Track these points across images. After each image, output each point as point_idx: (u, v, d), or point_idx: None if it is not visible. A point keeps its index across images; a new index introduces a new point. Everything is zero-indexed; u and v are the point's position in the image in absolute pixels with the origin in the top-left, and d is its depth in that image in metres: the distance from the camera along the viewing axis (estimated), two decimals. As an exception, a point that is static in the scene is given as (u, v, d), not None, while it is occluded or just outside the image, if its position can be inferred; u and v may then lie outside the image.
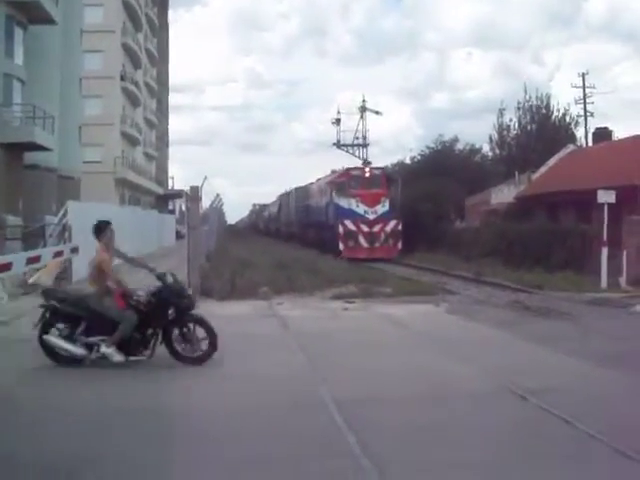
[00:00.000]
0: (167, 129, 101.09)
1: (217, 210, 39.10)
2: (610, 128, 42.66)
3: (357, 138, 59.22)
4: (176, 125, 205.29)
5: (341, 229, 35.87)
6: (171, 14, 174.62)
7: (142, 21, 70.03)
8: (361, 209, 36.74)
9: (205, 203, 25.83)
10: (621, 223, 22.60)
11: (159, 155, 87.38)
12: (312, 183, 50.31)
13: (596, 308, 16.66)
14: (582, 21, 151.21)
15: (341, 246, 35.46)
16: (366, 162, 40.75)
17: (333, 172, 46.11)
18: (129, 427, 7.04)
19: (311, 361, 10.18)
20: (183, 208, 58.07)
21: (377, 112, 60.63)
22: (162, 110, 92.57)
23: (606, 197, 20.88)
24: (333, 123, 60.68)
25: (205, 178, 22.57)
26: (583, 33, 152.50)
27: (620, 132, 44.28)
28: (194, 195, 20.02)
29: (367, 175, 38.41)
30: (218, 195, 35.89)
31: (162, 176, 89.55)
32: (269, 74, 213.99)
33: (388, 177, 39.81)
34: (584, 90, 53.63)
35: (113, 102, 59.35)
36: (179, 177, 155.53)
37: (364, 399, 7.99)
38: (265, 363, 10.04)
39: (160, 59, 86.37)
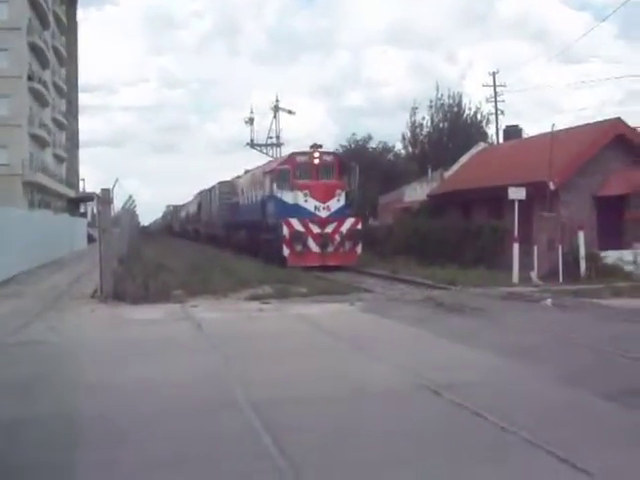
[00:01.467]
0: (77, 130, 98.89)
1: (130, 212, 38.48)
2: (520, 126, 43.52)
3: (271, 138, 59.48)
4: (87, 126, 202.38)
5: (285, 230, 28.33)
6: (81, 12, 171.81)
7: (49, 19, 68.29)
8: (310, 205, 29.28)
9: (117, 205, 25.41)
10: (532, 219, 23.07)
11: (69, 157, 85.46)
12: (240, 176, 43.62)
13: (509, 303, 16.99)
14: (494, 20, 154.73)
15: (286, 252, 28.29)
16: (315, 145, 31.21)
17: (246, 172, 41.85)
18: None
19: (225, 363, 10.06)
20: (95, 211, 56.95)
21: (290, 111, 60.93)
22: (72, 111, 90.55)
23: (516, 194, 21.31)
24: (246, 123, 60.70)
25: (117, 180, 22.20)
26: (495, 32, 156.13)
27: (530, 129, 45.45)
28: (105, 197, 19.65)
29: (317, 161, 30.40)
30: (130, 197, 35.37)
31: (73, 178, 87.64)
32: (182, 73, 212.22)
33: (342, 163, 32.00)
34: (495, 88, 54.92)
35: (20, 102, 57.73)
36: (91, 179, 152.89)
37: (280, 400, 7.89)
38: (178, 366, 9.88)
39: (69, 58, 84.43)
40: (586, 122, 28.15)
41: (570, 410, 7.38)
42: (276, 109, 59.81)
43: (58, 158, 76.60)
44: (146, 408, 7.74)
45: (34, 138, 61.76)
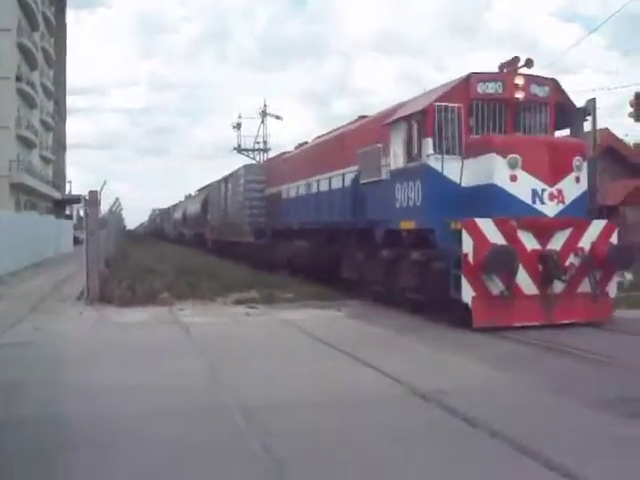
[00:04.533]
0: (65, 132, 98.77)
1: (116, 215, 38.41)
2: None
3: (258, 143, 59.46)
4: (75, 128, 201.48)
5: (469, 244, 13.56)
6: (73, 15, 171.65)
7: (39, 20, 68.16)
8: (523, 188, 14.08)
9: (104, 207, 25.37)
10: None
11: (56, 159, 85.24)
12: (287, 152, 29.78)
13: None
14: (483, 31, 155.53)
15: (467, 294, 13.45)
16: (516, 59, 15.33)
17: (300, 144, 27.77)
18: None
19: (213, 367, 10.08)
20: (81, 213, 56.55)
21: (277, 117, 61.05)
22: (60, 112, 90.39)
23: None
24: (234, 128, 60.65)
25: (105, 182, 22.15)
26: (484, 43, 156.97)
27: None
28: (93, 199, 19.64)
29: (520, 95, 15.42)
30: (117, 199, 35.32)
31: (60, 180, 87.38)
32: (172, 77, 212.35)
33: (567, 103, 16.20)
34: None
35: (8, 104, 57.44)
36: (77, 181, 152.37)
37: (267, 405, 7.90)
38: (167, 369, 9.89)
39: (57, 60, 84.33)
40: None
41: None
42: (264, 114, 60.03)
43: (45, 160, 76.33)
44: (134, 411, 7.72)
45: (21, 140, 61.52)
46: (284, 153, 28.59)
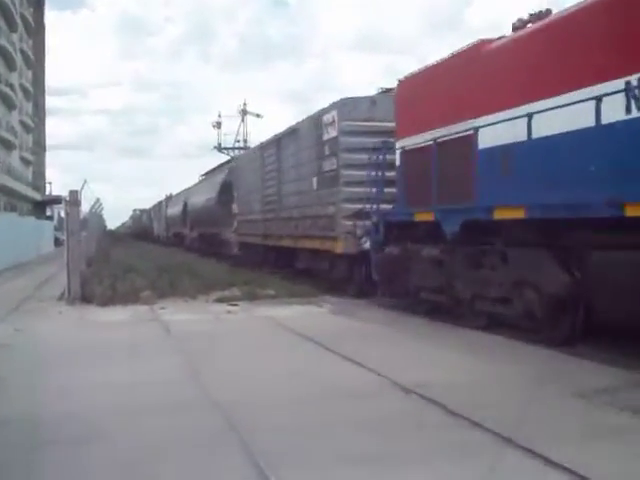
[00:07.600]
0: (44, 133, 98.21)
1: (97, 215, 38.27)
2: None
3: (238, 141, 59.46)
4: (55, 129, 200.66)
5: None
6: (55, 16, 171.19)
7: (17, 21, 67.80)
8: None
9: (85, 208, 25.26)
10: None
11: (36, 160, 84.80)
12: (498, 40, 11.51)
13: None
14: (465, 24, 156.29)
15: None
16: None
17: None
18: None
19: (192, 365, 10.02)
20: (62, 214, 56.11)
21: (258, 115, 61.42)
22: (39, 114, 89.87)
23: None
24: (214, 126, 60.67)
25: (85, 182, 22.04)
26: (466, 35, 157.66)
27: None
28: (73, 199, 19.53)
29: None
30: (98, 199, 35.16)
31: (39, 181, 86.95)
32: (154, 77, 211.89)
33: None
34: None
35: (-14, 105, 57.30)
36: (58, 182, 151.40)
37: (247, 401, 7.88)
38: (145, 367, 9.87)
39: (36, 61, 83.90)
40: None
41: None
42: (244, 113, 60.11)
43: (25, 161, 75.97)
44: (112, 408, 7.68)
45: (1, 141, 61.20)
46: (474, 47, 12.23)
